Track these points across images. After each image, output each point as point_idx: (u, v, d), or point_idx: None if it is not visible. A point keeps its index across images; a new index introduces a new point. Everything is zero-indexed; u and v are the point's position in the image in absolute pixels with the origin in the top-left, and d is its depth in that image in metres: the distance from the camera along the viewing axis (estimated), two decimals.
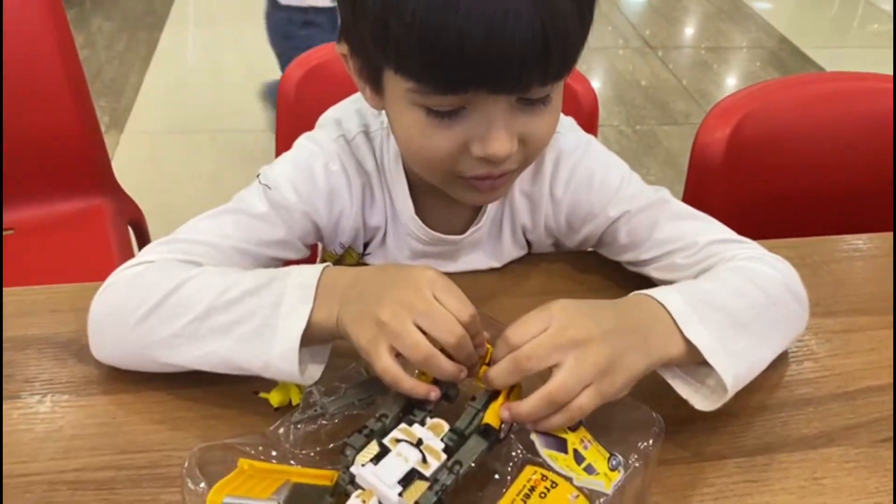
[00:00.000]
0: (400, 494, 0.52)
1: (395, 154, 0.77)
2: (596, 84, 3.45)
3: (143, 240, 1.48)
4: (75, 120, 1.38)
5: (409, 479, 0.53)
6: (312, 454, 0.59)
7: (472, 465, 0.55)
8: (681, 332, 0.63)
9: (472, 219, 0.82)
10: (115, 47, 3.25)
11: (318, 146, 0.78)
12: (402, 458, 0.54)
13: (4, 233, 1.38)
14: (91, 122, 1.41)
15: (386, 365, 0.57)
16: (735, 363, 0.64)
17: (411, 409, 0.59)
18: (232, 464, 0.55)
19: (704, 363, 0.63)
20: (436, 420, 0.58)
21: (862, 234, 0.94)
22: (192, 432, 0.64)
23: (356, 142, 0.78)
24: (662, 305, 0.64)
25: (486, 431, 0.57)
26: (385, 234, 0.82)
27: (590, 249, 0.87)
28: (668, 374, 0.65)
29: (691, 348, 0.63)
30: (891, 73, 1.08)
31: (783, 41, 3.78)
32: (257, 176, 0.77)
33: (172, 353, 0.64)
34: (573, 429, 0.59)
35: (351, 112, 0.80)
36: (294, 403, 0.65)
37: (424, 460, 0.54)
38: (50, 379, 0.68)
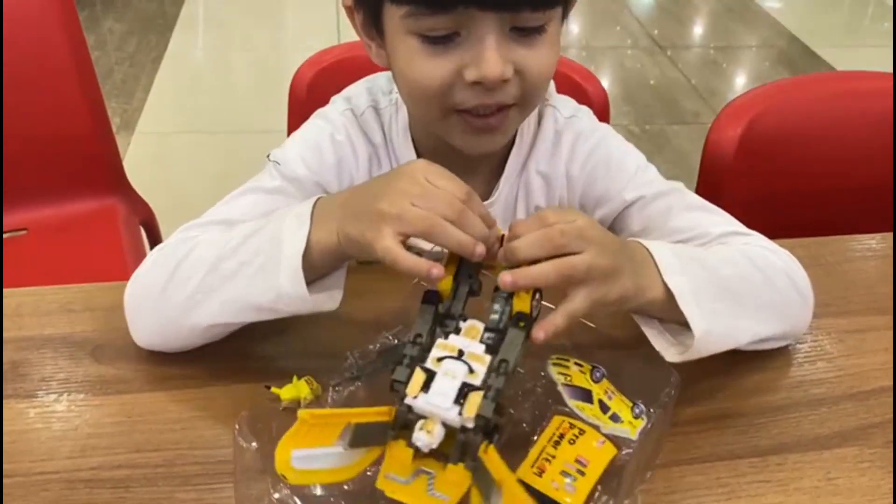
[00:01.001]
0: (459, 413, 0.52)
1: (403, 127, 0.79)
2: (605, 83, 3.43)
3: (155, 240, 1.49)
4: (88, 121, 1.39)
5: (462, 394, 0.53)
6: None
7: (518, 359, 0.56)
8: (662, 279, 0.63)
9: (484, 195, 0.81)
10: (126, 49, 3.27)
11: (325, 121, 0.80)
12: (449, 377, 0.54)
13: (18, 233, 1.39)
14: (103, 122, 1.42)
15: (386, 245, 0.57)
16: (710, 320, 0.64)
17: (442, 320, 0.59)
18: (280, 426, 0.56)
19: (685, 324, 0.63)
20: (469, 323, 0.58)
21: (875, 233, 0.93)
22: (206, 431, 0.65)
23: (365, 116, 0.80)
24: (650, 253, 0.65)
25: (519, 319, 0.57)
26: None
27: None
28: (647, 325, 0.66)
29: (670, 297, 0.63)
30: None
31: (793, 40, 3.76)
32: (268, 157, 0.79)
33: (197, 312, 0.65)
34: (597, 381, 0.62)
35: (361, 90, 0.82)
36: (303, 402, 0.65)
37: (471, 370, 0.54)
38: (66, 378, 0.69)
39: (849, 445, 0.67)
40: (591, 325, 0.69)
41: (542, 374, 0.64)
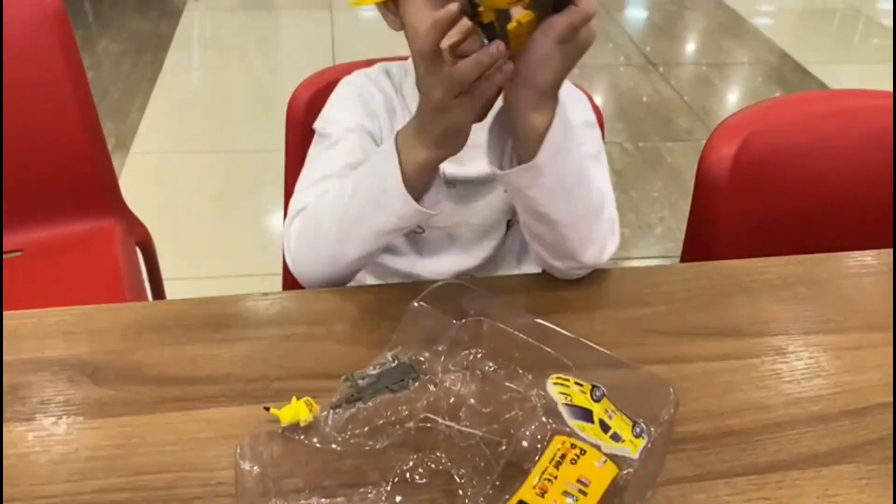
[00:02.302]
0: None
1: (411, 83, 0.94)
2: (599, 101, 3.45)
3: (151, 260, 1.49)
4: (84, 142, 1.39)
5: None
6: (352, 438, 0.62)
7: None
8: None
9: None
10: (121, 68, 3.27)
11: (346, 84, 0.97)
12: None
13: (13, 254, 1.39)
14: (99, 143, 1.42)
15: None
16: (551, 171, 0.74)
17: None
18: (280, 450, 0.58)
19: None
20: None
21: (870, 250, 0.94)
22: (206, 453, 0.65)
23: (377, 77, 0.97)
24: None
25: None
26: None
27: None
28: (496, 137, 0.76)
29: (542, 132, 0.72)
30: (892, 86, 1.08)
31: (784, 57, 3.80)
32: (313, 132, 0.93)
33: (345, 252, 0.81)
34: (597, 400, 0.63)
35: (375, 66, 1.00)
36: (303, 424, 0.65)
37: None
38: (65, 401, 0.69)
39: (847, 462, 0.67)
40: (591, 343, 0.70)
41: (543, 393, 0.64)
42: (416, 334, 0.69)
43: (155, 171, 2.61)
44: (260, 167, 2.57)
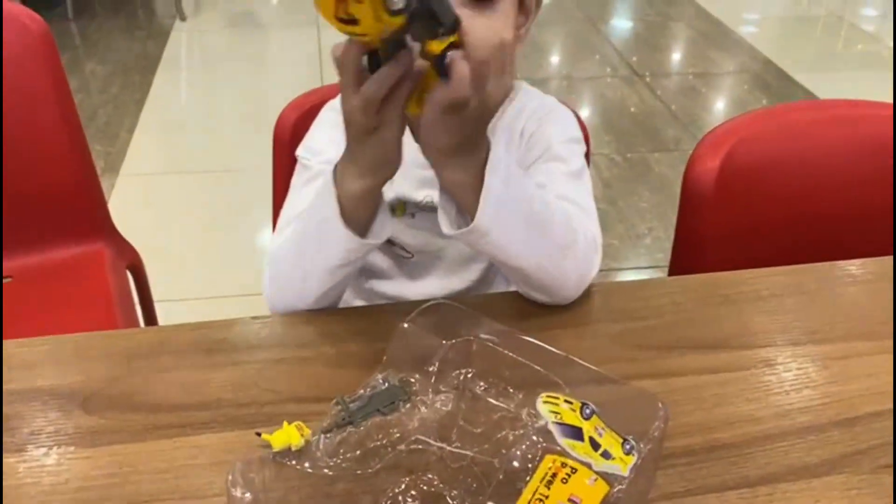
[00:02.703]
0: None
1: None
2: (585, 113, 3.49)
3: (142, 284, 1.49)
4: (72, 166, 1.39)
5: None
6: (344, 462, 0.62)
7: None
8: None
9: None
10: (110, 90, 3.28)
11: (329, 110, 0.97)
12: None
13: (3, 280, 1.38)
14: (88, 167, 1.43)
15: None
16: (495, 225, 0.73)
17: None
18: (272, 475, 0.58)
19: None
20: None
21: (856, 259, 0.95)
22: (198, 480, 0.65)
23: None
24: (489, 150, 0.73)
25: None
26: None
27: None
28: (444, 198, 0.75)
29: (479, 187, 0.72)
30: (877, 93, 1.10)
31: (768, 64, 3.83)
32: (296, 159, 0.93)
33: (308, 291, 0.82)
34: (587, 418, 0.63)
35: None
36: (295, 449, 0.65)
37: None
38: (56, 431, 0.69)
39: (837, 473, 0.67)
40: (580, 360, 0.70)
41: (533, 412, 0.64)
42: (407, 355, 0.70)
43: (145, 193, 2.61)
44: (250, 186, 2.57)
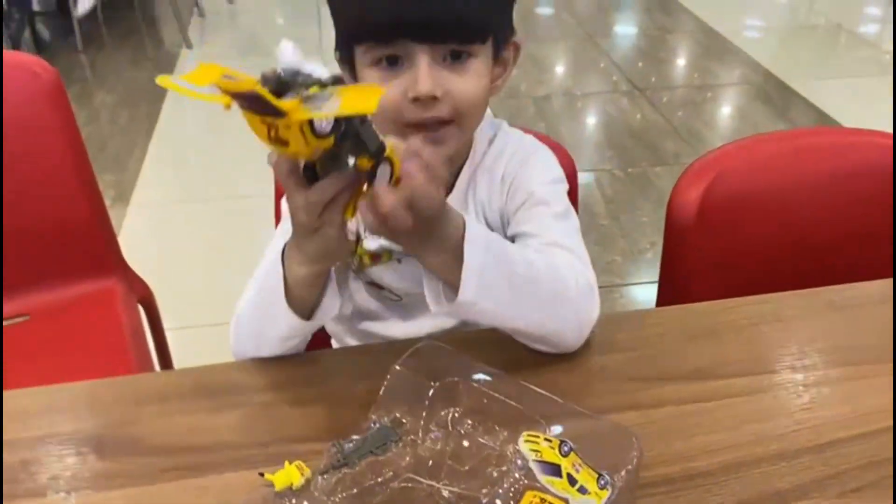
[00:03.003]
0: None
1: None
2: (587, 129, 3.54)
3: (153, 318, 1.54)
4: (83, 206, 1.45)
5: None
6: (341, 501, 0.66)
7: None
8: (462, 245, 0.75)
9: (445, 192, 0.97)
10: (118, 121, 3.35)
11: None
12: None
13: (21, 319, 1.44)
14: (97, 204, 1.48)
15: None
16: (481, 296, 0.76)
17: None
18: None
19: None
20: None
21: (834, 285, 0.99)
22: None
23: None
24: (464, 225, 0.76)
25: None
26: None
27: None
28: (428, 276, 0.79)
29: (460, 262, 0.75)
30: (878, 99, 1.14)
31: (768, 76, 3.86)
32: None
33: (264, 349, 0.86)
34: (565, 455, 0.67)
35: None
36: (295, 488, 0.70)
37: None
38: (73, 475, 0.73)
39: (807, 499, 0.71)
40: (557, 398, 0.74)
41: (517, 449, 0.68)
42: (398, 396, 0.74)
43: (155, 222, 2.67)
44: (259, 213, 2.62)
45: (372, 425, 0.71)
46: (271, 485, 0.70)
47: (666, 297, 1.15)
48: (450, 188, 0.95)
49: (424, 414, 0.72)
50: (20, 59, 1.40)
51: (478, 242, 0.76)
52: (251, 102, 0.61)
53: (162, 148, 3.14)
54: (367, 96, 0.62)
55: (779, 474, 0.74)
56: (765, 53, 4.12)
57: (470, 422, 0.73)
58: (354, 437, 0.70)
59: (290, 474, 0.71)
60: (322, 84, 0.62)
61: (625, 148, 3.22)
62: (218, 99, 0.62)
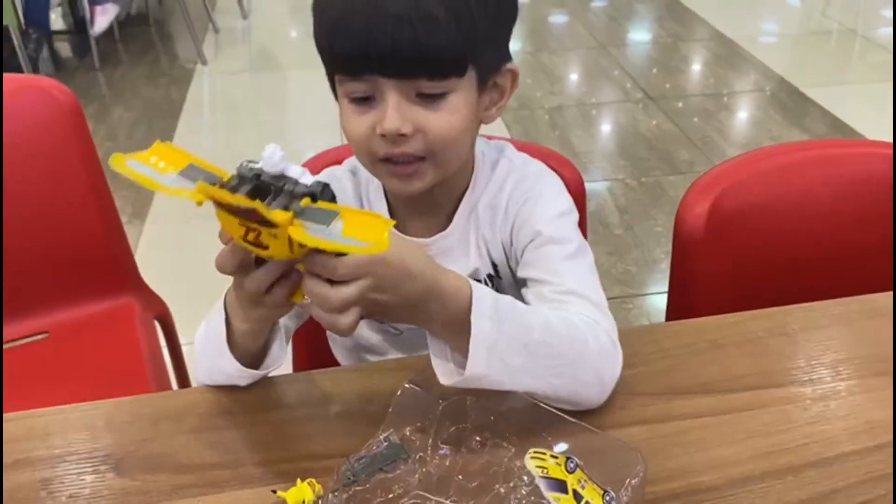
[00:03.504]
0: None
1: (377, 184, 0.96)
2: (600, 139, 3.55)
3: (170, 335, 1.56)
4: (100, 225, 1.47)
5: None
6: None
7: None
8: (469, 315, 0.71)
9: (442, 228, 0.95)
10: (135, 137, 3.40)
11: None
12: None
13: (40, 336, 1.47)
14: (114, 223, 1.51)
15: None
16: (493, 368, 0.72)
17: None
18: None
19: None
20: None
21: (839, 298, 0.99)
22: None
23: (341, 178, 0.97)
24: (471, 291, 0.73)
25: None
26: None
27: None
28: (435, 346, 0.75)
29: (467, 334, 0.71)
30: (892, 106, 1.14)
31: (782, 82, 3.86)
32: None
33: (216, 379, 0.85)
34: (571, 471, 0.68)
35: (351, 160, 0.99)
36: None
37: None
38: (92, 493, 0.75)
39: None
40: (564, 415, 0.75)
41: (524, 465, 0.69)
42: (408, 414, 0.75)
43: (172, 238, 2.70)
44: None
45: (381, 443, 0.72)
46: (284, 502, 0.72)
47: (675, 309, 1.15)
48: (449, 219, 0.95)
49: (432, 432, 0.74)
50: (38, 82, 1.44)
51: (485, 312, 0.72)
52: (240, 211, 0.61)
53: None
54: (375, 230, 0.59)
55: (786, 488, 0.74)
56: (778, 60, 4.11)
57: (478, 438, 0.74)
58: (364, 454, 0.71)
59: (302, 491, 0.72)
60: (311, 194, 0.61)
61: (638, 157, 3.23)
62: (187, 194, 0.61)
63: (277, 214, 0.59)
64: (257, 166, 0.64)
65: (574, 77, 4.21)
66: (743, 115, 3.71)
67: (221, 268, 0.70)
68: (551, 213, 0.91)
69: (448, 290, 0.72)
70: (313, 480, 0.73)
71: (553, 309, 0.81)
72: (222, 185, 0.63)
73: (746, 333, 0.94)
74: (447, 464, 0.72)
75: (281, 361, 0.82)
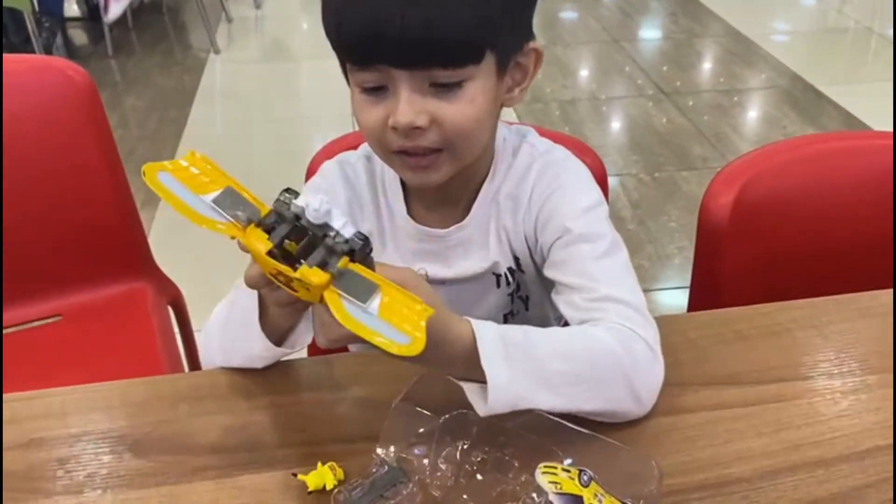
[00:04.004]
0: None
1: (393, 171, 0.90)
2: (613, 133, 3.53)
3: (183, 320, 1.55)
4: (115, 208, 1.46)
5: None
6: None
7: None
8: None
9: (461, 218, 0.91)
10: (148, 125, 3.39)
11: (320, 174, 0.95)
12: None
13: (54, 319, 1.46)
14: (130, 209, 1.50)
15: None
16: (515, 400, 0.69)
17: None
18: None
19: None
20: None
21: (868, 291, 0.97)
22: None
23: (354, 165, 0.94)
24: (475, 336, 0.69)
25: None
26: (385, 239, 0.93)
27: None
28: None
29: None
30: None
31: (796, 79, 3.82)
32: None
33: (232, 362, 0.84)
34: (585, 485, 0.65)
35: (360, 148, 0.96)
36: (328, 489, 0.70)
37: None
38: (109, 473, 0.74)
39: None
40: (571, 425, 0.72)
41: (532, 481, 0.64)
42: (403, 432, 0.71)
43: (184, 224, 2.67)
44: None
45: (379, 468, 0.69)
46: (304, 485, 0.71)
47: (698, 301, 1.14)
48: (467, 209, 0.91)
49: (432, 450, 0.70)
50: (54, 63, 1.42)
51: (496, 353, 0.69)
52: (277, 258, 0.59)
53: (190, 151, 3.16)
54: (413, 319, 0.56)
55: (816, 482, 0.73)
56: (793, 57, 4.07)
57: (482, 455, 0.70)
58: (360, 481, 0.68)
59: (322, 475, 0.71)
60: (350, 251, 0.59)
61: (651, 152, 3.20)
62: (218, 229, 0.60)
63: (315, 276, 0.57)
64: (297, 204, 0.60)
65: (586, 71, 4.19)
66: (757, 111, 3.68)
67: (252, 285, 0.68)
68: (580, 207, 0.85)
69: (449, 339, 0.68)
70: (334, 464, 0.72)
71: (587, 318, 0.78)
72: (259, 223, 0.61)
73: (774, 325, 0.92)
74: (449, 485, 0.68)
75: (308, 339, 0.80)
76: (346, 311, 0.57)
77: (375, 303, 0.57)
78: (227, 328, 0.82)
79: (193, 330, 1.60)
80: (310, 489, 0.70)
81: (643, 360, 0.76)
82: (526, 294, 0.96)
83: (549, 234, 0.86)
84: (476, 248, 0.92)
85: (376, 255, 0.89)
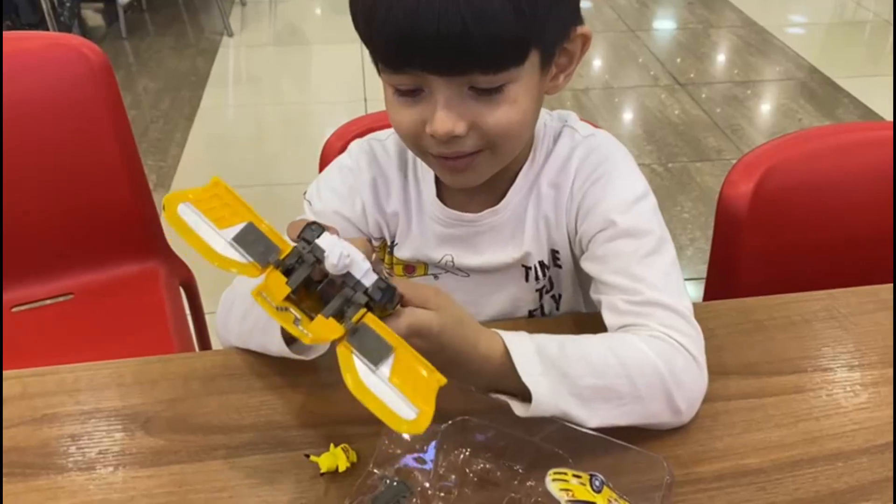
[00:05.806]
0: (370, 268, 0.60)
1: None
2: (627, 123, 3.50)
3: (195, 301, 1.55)
4: (129, 188, 1.46)
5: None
6: None
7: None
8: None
9: (494, 203, 0.86)
10: (160, 107, 3.38)
11: (347, 153, 0.91)
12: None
13: (66, 297, 1.46)
14: (143, 189, 1.49)
15: None
16: (555, 410, 0.68)
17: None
18: None
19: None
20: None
21: (887, 284, 0.96)
22: (251, 498, 0.69)
23: (385, 143, 0.89)
24: (509, 352, 0.67)
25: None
26: (410, 221, 0.89)
27: None
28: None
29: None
30: None
31: (813, 71, 3.79)
32: (304, 194, 0.89)
33: (248, 346, 0.83)
34: (598, 490, 0.63)
35: (385, 131, 0.91)
36: (341, 471, 0.70)
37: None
38: (121, 451, 0.74)
39: (865, 500, 0.69)
40: (576, 426, 0.70)
41: (540, 488, 0.64)
42: (403, 443, 0.70)
43: None
44: (298, 200, 2.64)
45: (380, 483, 0.67)
46: (317, 467, 0.70)
47: (714, 290, 1.13)
48: (502, 195, 0.86)
49: (433, 460, 0.68)
50: (69, 41, 1.41)
51: (533, 367, 0.67)
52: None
53: (202, 134, 3.16)
54: (423, 391, 0.54)
55: (835, 474, 0.72)
56: (810, 49, 4.03)
57: (486, 464, 0.69)
58: (361, 498, 0.66)
59: (335, 457, 0.71)
60: (369, 303, 0.58)
61: (665, 143, 3.18)
62: (237, 269, 0.58)
63: (328, 332, 0.56)
64: (320, 246, 0.59)
65: (600, 60, 4.15)
66: (773, 103, 3.64)
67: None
68: (627, 198, 0.80)
69: (474, 357, 0.67)
70: (347, 446, 0.72)
71: (629, 323, 0.75)
72: (278, 264, 0.59)
73: (792, 315, 0.91)
74: (454, 496, 0.66)
75: (319, 353, 0.77)
76: (355, 372, 0.56)
77: (388, 366, 0.56)
78: (247, 318, 0.81)
79: (205, 312, 1.60)
80: (322, 471, 0.70)
81: (684, 374, 0.73)
82: (559, 293, 0.92)
83: (592, 224, 0.81)
84: (508, 235, 0.87)
85: (401, 237, 0.87)
